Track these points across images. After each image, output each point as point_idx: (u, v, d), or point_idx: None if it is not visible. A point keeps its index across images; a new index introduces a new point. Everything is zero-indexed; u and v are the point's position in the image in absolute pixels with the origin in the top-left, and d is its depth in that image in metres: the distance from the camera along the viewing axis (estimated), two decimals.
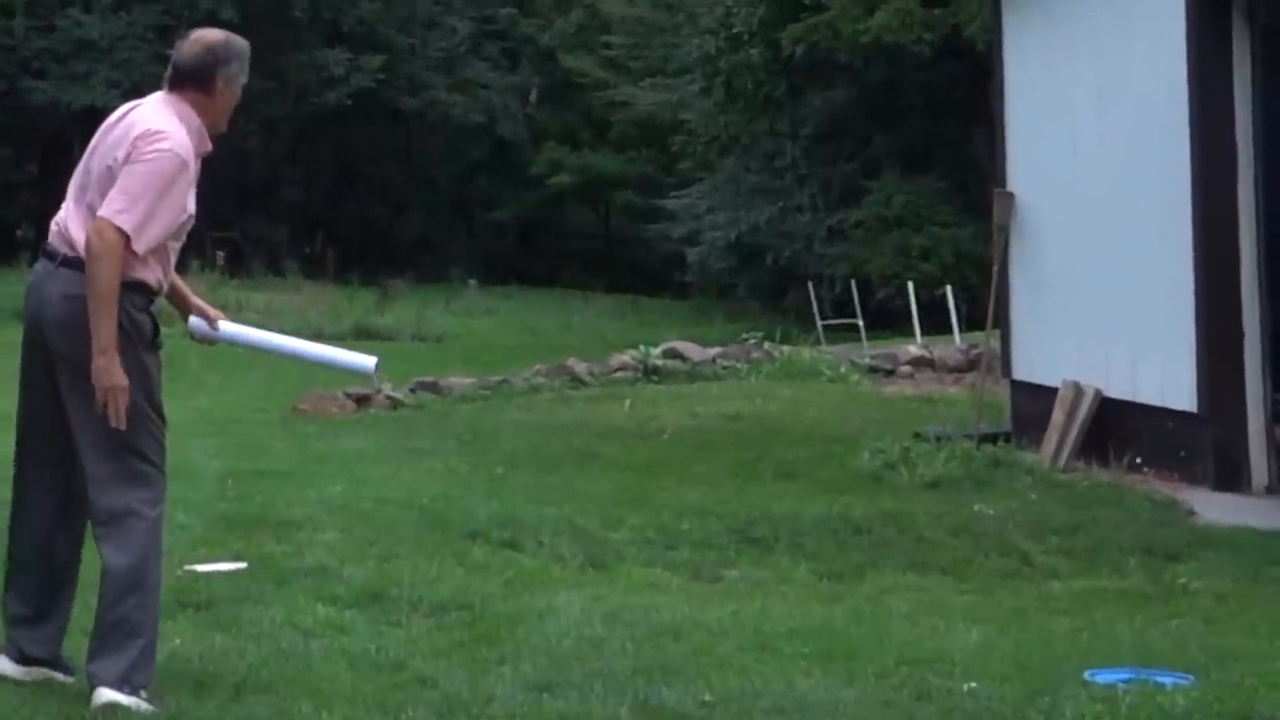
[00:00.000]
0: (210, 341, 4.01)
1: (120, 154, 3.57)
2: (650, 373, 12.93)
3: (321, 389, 11.57)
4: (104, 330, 3.44)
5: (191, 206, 3.69)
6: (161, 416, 3.70)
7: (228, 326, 3.99)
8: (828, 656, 4.32)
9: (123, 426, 3.50)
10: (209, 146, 3.74)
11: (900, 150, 27.35)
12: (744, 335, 16.06)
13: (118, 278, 3.46)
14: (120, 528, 3.57)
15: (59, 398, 3.61)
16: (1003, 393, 9.76)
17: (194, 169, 3.66)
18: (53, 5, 31.38)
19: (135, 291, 3.58)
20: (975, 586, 5.77)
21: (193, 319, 3.92)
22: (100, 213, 3.49)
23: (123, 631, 3.55)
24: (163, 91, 3.73)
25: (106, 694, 3.49)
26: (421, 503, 6.80)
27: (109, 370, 3.44)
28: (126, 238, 3.47)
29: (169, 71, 3.74)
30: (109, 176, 3.56)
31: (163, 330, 3.70)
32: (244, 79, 3.78)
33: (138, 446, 3.59)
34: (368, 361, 4.10)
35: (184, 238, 3.77)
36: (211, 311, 3.95)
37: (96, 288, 3.45)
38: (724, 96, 29.14)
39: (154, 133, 3.57)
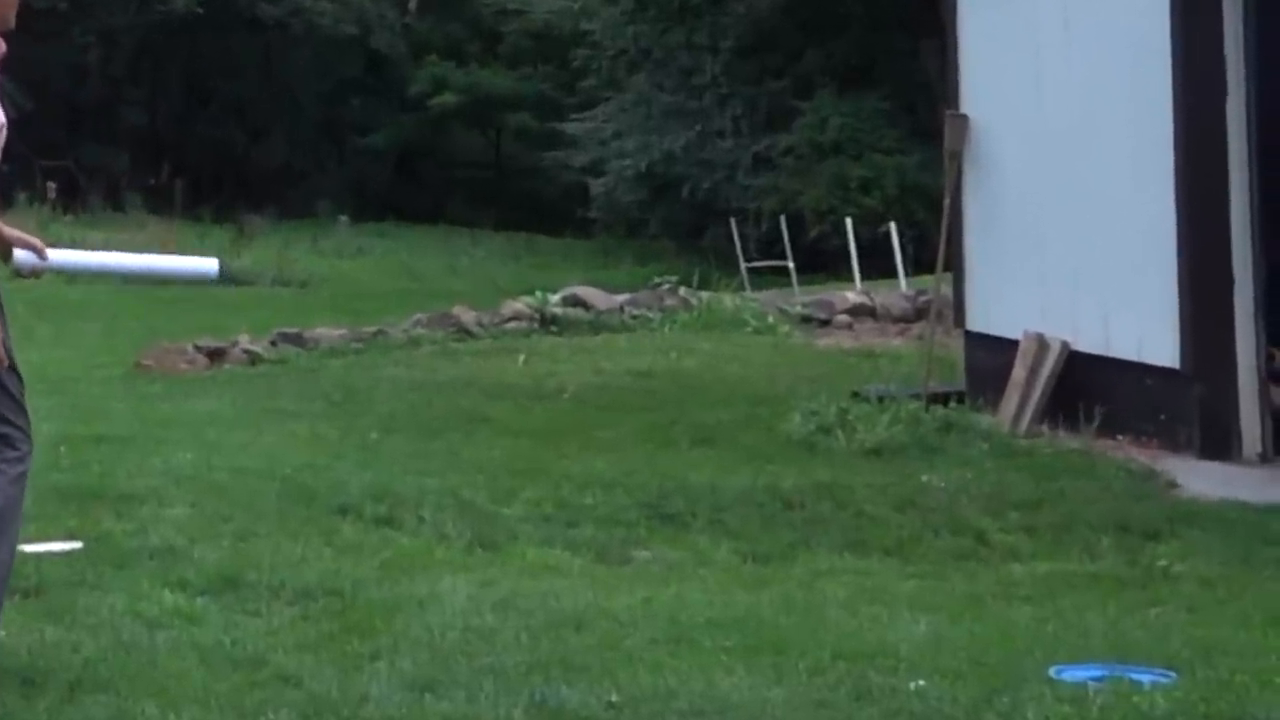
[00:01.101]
0: (37, 274, 3.98)
1: None
2: (548, 323, 12.93)
3: (168, 341, 11.46)
4: None
5: (1, 115, 3.58)
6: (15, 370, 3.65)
7: (56, 254, 3.93)
8: (753, 650, 4.28)
9: None
10: (1, 46, 3.63)
11: (836, 66, 27.45)
12: (656, 280, 16.04)
13: None
14: None
15: None
16: (955, 346, 9.80)
17: None
18: None
19: None
20: (923, 569, 5.77)
21: (17, 253, 3.84)
22: None
23: None
24: None
25: None
26: (284, 473, 6.74)
27: None
28: None
29: None
30: None
31: None
32: None
33: None
34: (209, 265, 4.15)
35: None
36: (36, 241, 3.86)
37: None
38: (633, 3, 29.10)
39: None
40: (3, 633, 4.04)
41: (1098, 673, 4.00)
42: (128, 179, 31.14)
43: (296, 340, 12.10)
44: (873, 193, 24.74)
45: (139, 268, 4.39)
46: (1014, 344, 8.49)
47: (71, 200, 27.05)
